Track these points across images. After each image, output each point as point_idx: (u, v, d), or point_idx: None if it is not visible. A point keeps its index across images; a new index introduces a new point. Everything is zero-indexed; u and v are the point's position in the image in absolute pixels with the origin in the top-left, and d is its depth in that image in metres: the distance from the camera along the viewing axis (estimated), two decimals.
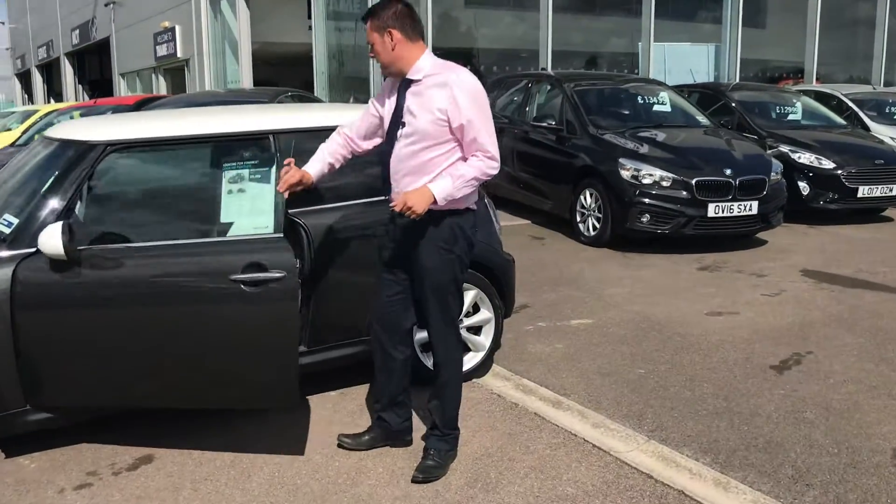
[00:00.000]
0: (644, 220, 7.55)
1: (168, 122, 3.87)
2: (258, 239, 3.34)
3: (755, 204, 7.66)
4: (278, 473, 3.46)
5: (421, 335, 3.94)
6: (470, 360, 4.40)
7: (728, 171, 7.64)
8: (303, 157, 3.66)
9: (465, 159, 3.21)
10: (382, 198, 3.50)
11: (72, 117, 10.87)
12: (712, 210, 7.49)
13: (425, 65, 3.19)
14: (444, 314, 3.39)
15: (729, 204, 7.55)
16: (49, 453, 3.64)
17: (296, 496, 3.28)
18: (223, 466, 3.52)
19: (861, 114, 11.77)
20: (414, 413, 3.77)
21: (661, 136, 8.37)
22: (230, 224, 3.43)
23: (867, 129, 11.28)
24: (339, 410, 4.08)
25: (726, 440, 3.73)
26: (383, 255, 3.45)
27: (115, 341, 3.33)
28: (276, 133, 3.90)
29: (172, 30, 18.75)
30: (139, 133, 3.70)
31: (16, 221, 3.49)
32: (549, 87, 9.43)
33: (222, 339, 3.30)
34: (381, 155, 3.33)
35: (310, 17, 13.44)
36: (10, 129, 14.85)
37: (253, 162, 3.54)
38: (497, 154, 3.21)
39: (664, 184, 7.53)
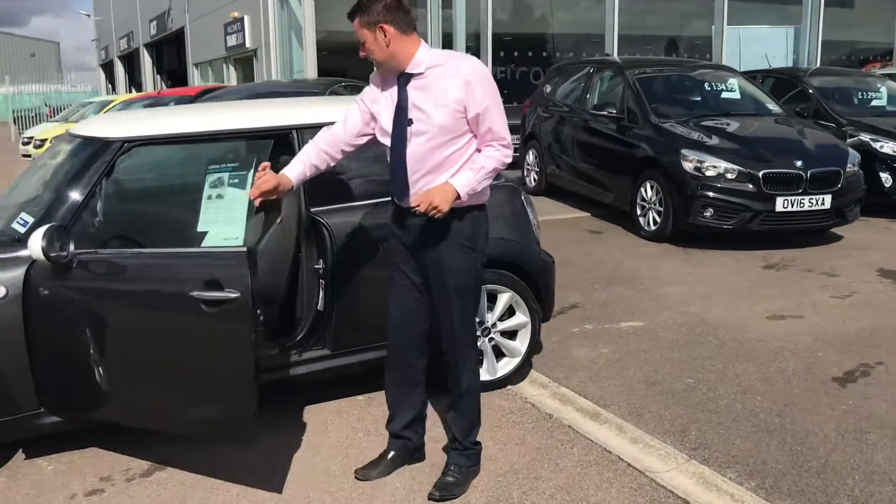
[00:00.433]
0: (707, 214, 7.16)
1: (188, 118, 3.75)
2: (222, 253, 3.07)
3: (828, 198, 7.17)
4: (292, 485, 3.32)
5: None
6: (504, 367, 4.19)
7: (798, 163, 7.17)
8: None
9: (478, 150, 3.03)
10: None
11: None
12: (780, 204, 7.04)
13: (424, 57, 2.99)
14: (465, 317, 3.20)
15: (799, 198, 7.09)
16: (67, 455, 3.59)
17: None
18: (238, 475, 3.39)
19: None
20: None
21: (727, 125, 7.94)
22: (205, 233, 3.27)
23: None
24: (363, 418, 3.91)
25: (776, 462, 3.42)
26: (395, 259, 3.23)
27: (89, 351, 3.20)
28: (300, 128, 3.76)
29: (241, 20, 18.93)
30: (157, 129, 3.60)
31: (31, 221, 3.42)
32: (611, 74, 9.06)
33: (181, 358, 3.06)
34: (389, 155, 3.09)
35: None
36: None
37: (233, 165, 3.36)
38: (511, 141, 3.06)
39: (729, 176, 7.11)
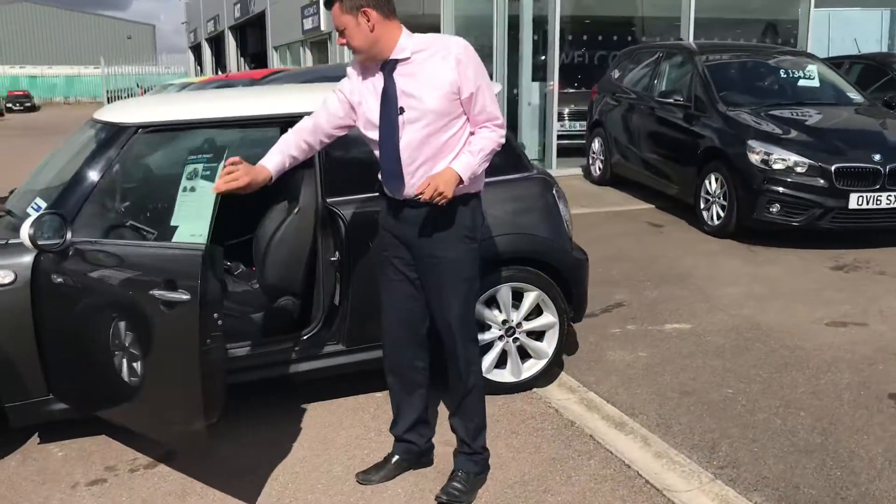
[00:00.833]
0: (773, 210, 6.74)
1: (203, 105, 3.67)
2: (180, 252, 2.91)
3: None
4: (292, 485, 3.22)
5: None
6: (530, 369, 4.00)
7: (877, 157, 6.67)
8: (345, 141, 3.39)
9: (471, 133, 2.90)
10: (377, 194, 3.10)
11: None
12: (855, 201, 6.57)
13: (408, 41, 2.84)
14: (466, 312, 3.05)
15: (876, 194, 6.60)
16: (79, 442, 3.58)
17: None
18: (241, 471, 3.32)
19: None
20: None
21: (801, 115, 7.47)
22: (175, 228, 3.15)
23: None
24: (378, 416, 3.79)
25: (810, 487, 3.14)
26: (388, 254, 3.06)
27: (77, 340, 3.16)
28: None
29: (317, 3, 18.97)
30: (171, 115, 3.52)
31: (44, 206, 3.41)
32: (680, 60, 8.65)
33: (146, 357, 2.94)
34: (379, 148, 2.92)
35: None
36: None
37: (207, 156, 3.24)
38: (504, 121, 2.94)
39: (798, 170, 6.68)
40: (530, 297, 3.91)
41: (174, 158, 3.72)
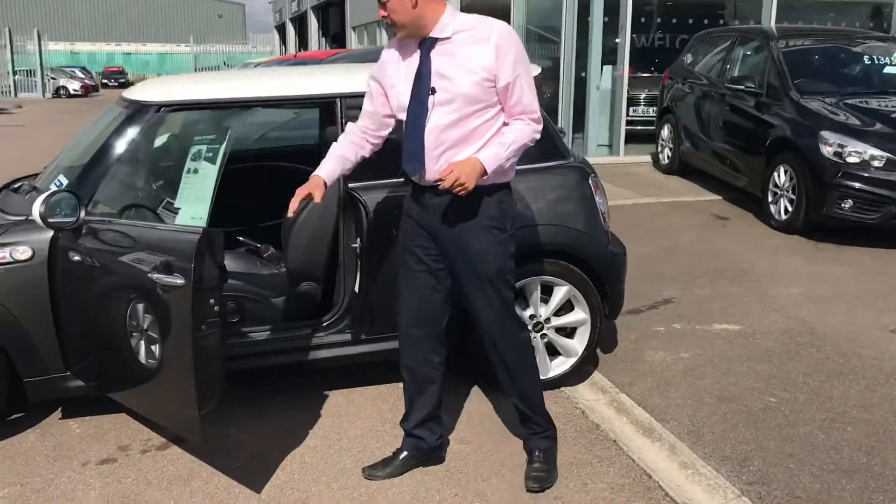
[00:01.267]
0: (845, 206, 6.34)
1: (229, 84, 3.60)
2: (179, 235, 2.82)
3: None
4: (298, 475, 3.15)
5: None
6: (558, 367, 3.83)
7: None
8: None
9: (505, 124, 2.78)
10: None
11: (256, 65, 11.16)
12: None
13: (450, 20, 2.72)
14: (503, 303, 2.94)
15: None
16: (98, 420, 3.59)
17: None
18: (250, 458, 3.27)
19: None
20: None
21: (883, 105, 6.99)
22: (178, 210, 3.07)
23: None
24: (397, 407, 3.66)
25: None
26: (410, 242, 2.95)
27: (88, 320, 3.14)
28: (344, 97, 3.54)
29: None
30: (195, 94, 3.47)
31: (65, 183, 3.41)
32: (756, 45, 8.22)
33: (150, 341, 2.88)
34: (405, 128, 2.82)
35: None
36: None
37: (210, 137, 3.15)
38: (540, 115, 2.82)
39: (875, 164, 6.26)
40: (561, 292, 3.74)
41: (183, 140, 3.66)
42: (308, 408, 3.68)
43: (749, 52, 8.31)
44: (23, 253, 3.24)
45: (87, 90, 35.55)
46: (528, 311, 3.73)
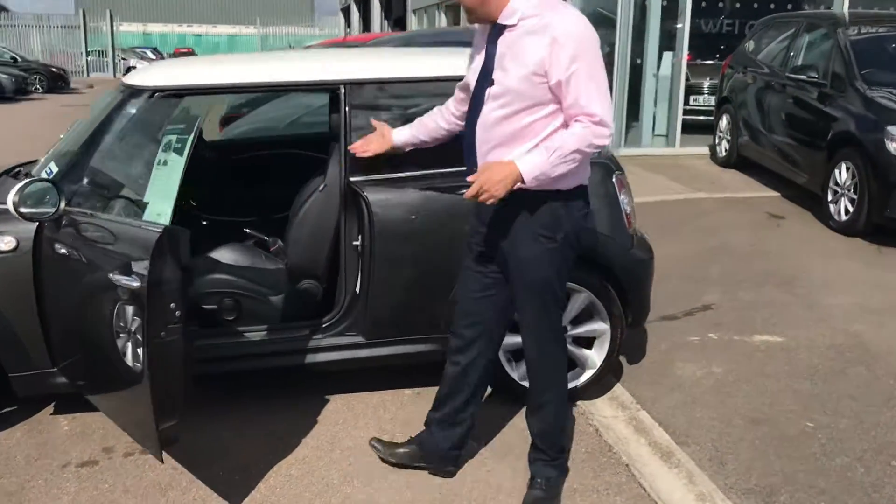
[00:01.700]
0: None
1: (228, 68, 3.40)
2: (143, 231, 2.60)
3: None
4: (280, 489, 2.96)
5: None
6: (574, 379, 3.54)
7: None
8: (377, 113, 3.28)
9: (566, 125, 2.52)
10: (463, 168, 2.76)
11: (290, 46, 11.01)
12: None
13: (520, 5, 2.51)
14: (544, 318, 2.74)
15: None
16: (88, 417, 3.45)
17: None
18: (235, 467, 3.10)
19: None
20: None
21: None
22: (146, 204, 2.87)
23: None
24: (397, 417, 3.46)
25: None
26: (471, 240, 2.84)
27: (64, 315, 3.00)
28: (348, 83, 3.30)
29: None
30: (189, 79, 3.28)
31: (55, 171, 3.26)
32: (822, 32, 7.69)
33: (114, 343, 2.69)
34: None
35: None
36: None
37: (181, 127, 2.93)
38: (608, 118, 2.49)
39: None
40: (578, 300, 3.46)
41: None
42: (305, 413, 3.48)
43: (815, 40, 7.78)
44: (7, 243, 3.11)
45: None
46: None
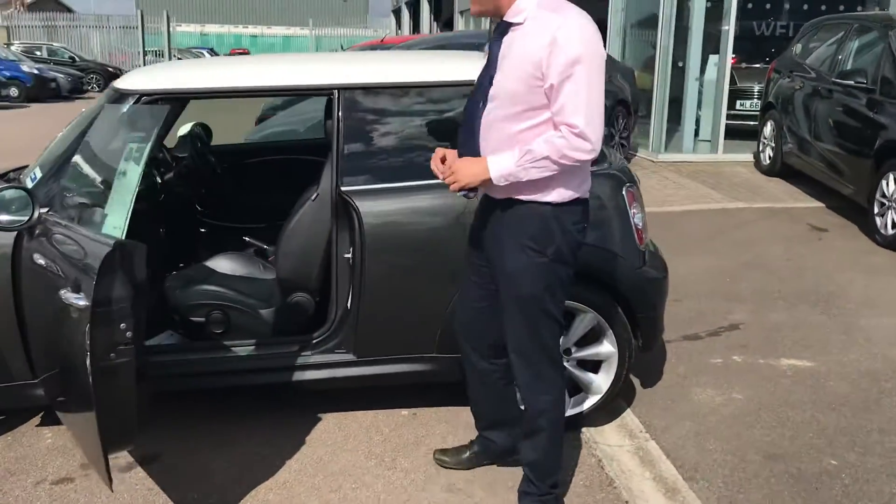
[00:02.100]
0: None
1: (218, 72, 3.27)
2: (96, 245, 2.43)
3: None
4: None
5: None
6: (579, 404, 3.33)
7: None
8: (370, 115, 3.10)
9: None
10: None
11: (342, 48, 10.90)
12: None
13: (527, 4, 2.39)
14: (533, 337, 2.59)
15: None
16: None
17: None
18: (211, 491, 2.95)
19: None
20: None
21: None
22: (105, 216, 2.71)
23: None
24: (390, 440, 3.28)
25: None
26: (469, 248, 2.77)
27: (36, 328, 2.90)
28: (343, 88, 3.14)
29: None
30: (175, 83, 3.15)
31: (39, 177, 3.16)
32: (874, 36, 7.29)
33: (70, 364, 2.53)
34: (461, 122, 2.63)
35: None
36: None
37: (139, 135, 2.78)
38: (591, 131, 2.33)
39: None
40: (583, 321, 3.24)
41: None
42: (293, 432, 3.33)
43: (865, 43, 7.38)
44: None
45: None
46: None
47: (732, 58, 9.89)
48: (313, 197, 3.31)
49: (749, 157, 9.58)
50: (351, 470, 3.07)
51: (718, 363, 4.04)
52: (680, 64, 9.92)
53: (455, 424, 3.38)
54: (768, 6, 12.23)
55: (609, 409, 3.43)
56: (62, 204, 2.93)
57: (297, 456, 3.18)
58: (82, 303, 2.27)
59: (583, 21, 2.34)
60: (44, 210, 2.90)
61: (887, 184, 6.11)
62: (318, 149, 4.41)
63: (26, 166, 3.75)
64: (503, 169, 2.38)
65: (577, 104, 2.30)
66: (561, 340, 3.24)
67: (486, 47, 2.59)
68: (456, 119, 3.01)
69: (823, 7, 10.91)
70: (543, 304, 2.54)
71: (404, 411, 3.51)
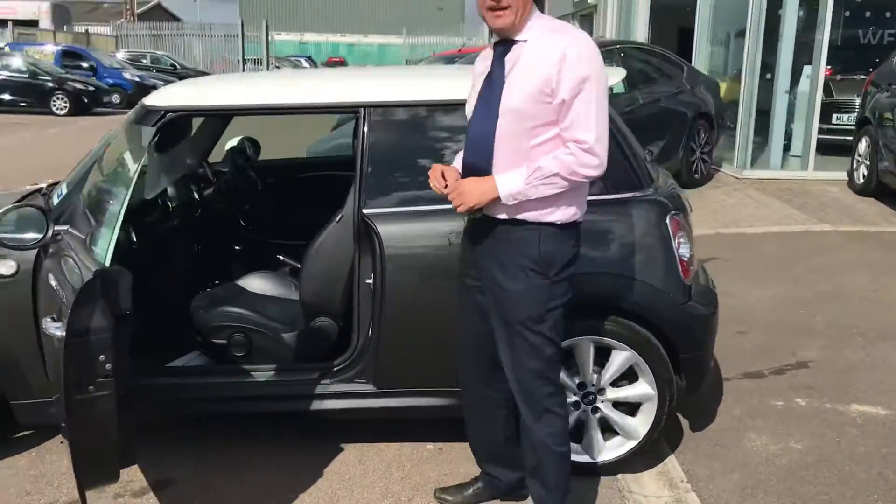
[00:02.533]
0: None
1: (242, 89, 3.17)
2: (79, 272, 2.37)
3: None
4: None
5: None
6: (614, 449, 3.09)
7: None
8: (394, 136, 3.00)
9: None
10: None
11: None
12: None
13: (537, 24, 2.40)
14: (535, 358, 2.48)
15: None
16: None
17: None
18: None
19: None
20: None
21: None
22: (97, 240, 2.61)
23: None
24: (411, 476, 3.12)
25: None
26: (463, 269, 2.66)
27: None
28: (368, 106, 3.00)
29: None
30: (198, 100, 3.08)
31: (64, 193, 3.14)
32: None
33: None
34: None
35: None
36: None
37: (130, 154, 2.67)
38: (599, 148, 2.33)
39: None
40: (619, 359, 3.00)
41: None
42: (311, 462, 3.20)
43: None
44: (8, 268, 3.00)
45: None
46: (577, 379, 3.03)
47: (827, 69, 9.34)
48: (338, 218, 3.18)
49: (842, 175, 9.00)
50: (383, 496, 2.92)
51: (779, 406, 3.71)
52: (769, 76, 9.43)
53: (448, 458, 3.20)
54: (867, 14, 11.52)
55: (652, 453, 3.17)
56: (76, 223, 2.89)
57: (311, 489, 3.05)
58: (59, 333, 2.19)
59: (589, 41, 2.36)
60: (63, 228, 2.88)
61: None
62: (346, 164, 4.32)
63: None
64: (512, 188, 2.33)
65: (588, 121, 2.30)
66: (593, 378, 3.04)
67: (477, 64, 2.54)
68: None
69: None
70: (544, 327, 2.45)
71: (430, 445, 3.34)
